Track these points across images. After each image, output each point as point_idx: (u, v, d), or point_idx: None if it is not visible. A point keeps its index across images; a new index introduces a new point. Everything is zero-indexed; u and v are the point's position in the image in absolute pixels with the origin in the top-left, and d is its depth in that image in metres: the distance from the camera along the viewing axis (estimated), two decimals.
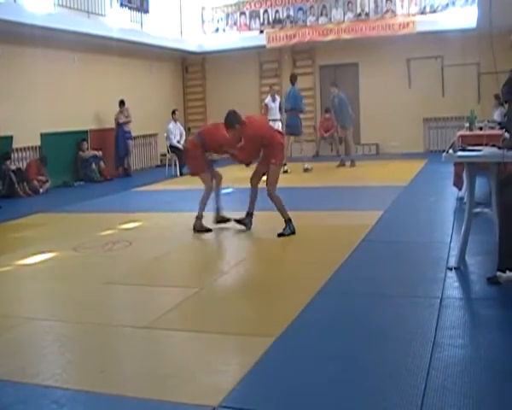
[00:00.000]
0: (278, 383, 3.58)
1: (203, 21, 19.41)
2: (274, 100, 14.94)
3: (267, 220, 8.24)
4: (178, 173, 15.47)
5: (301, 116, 14.98)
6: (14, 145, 12.83)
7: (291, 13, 18.29)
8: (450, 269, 5.57)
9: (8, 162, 12.58)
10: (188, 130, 19.02)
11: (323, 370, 3.72)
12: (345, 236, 7.44)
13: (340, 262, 6.10)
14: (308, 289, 5.28)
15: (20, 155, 13.20)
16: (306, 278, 5.78)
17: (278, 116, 14.78)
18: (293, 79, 14.94)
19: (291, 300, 5.11)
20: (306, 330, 4.45)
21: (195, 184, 8.79)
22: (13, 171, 12.76)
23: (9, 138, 12.57)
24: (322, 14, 17.96)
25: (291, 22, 18.27)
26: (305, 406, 3.32)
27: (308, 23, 18.08)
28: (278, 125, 14.19)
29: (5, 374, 3.90)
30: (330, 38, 17.62)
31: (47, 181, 13.29)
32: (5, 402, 3.59)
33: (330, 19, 17.85)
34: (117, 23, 15.49)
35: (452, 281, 5.34)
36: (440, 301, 4.81)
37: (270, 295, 5.41)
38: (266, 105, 15.24)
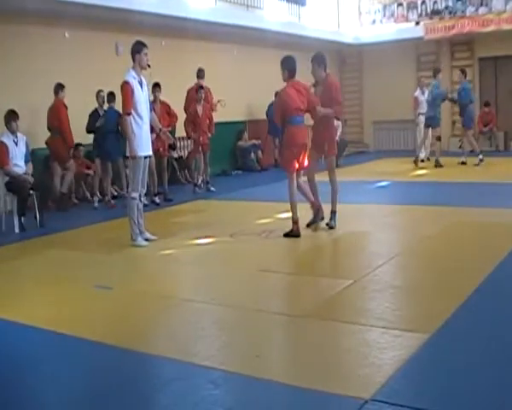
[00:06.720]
0: (431, 380, 3.47)
1: (360, 13, 19.22)
2: (423, 93, 14.61)
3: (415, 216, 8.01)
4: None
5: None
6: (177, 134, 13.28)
7: (449, 3, 17.69)
8: None
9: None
10: (344, 121, 18.90)
11: (479, 371, 3.57)
12: (498, 235, 7.07)
13: (496, 262, 5.77)
14: (463, 287, 5.08)
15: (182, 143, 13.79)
16: (460, 276, 5.54)
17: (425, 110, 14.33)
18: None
19: (445, 297, 4.94)
20: (462, 329, 4.28)
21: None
22: (175, 159, 13.43)
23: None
24: (482, 4, 17.15)
25: (449, 13, 17.64)
26: (458, 404, 3.21)
27: (467, 13, 17.33)
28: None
29: (165, 352, 4.09)
30: (490, 28, 16.77)
31: None
32: (165, 378, 3.78)
33: (491, 9, 16.98)
34: (274, 16, 15.70)
35: None
36: None
37: (424, 290, 5.25)
38: (416, 98, 14.86)
